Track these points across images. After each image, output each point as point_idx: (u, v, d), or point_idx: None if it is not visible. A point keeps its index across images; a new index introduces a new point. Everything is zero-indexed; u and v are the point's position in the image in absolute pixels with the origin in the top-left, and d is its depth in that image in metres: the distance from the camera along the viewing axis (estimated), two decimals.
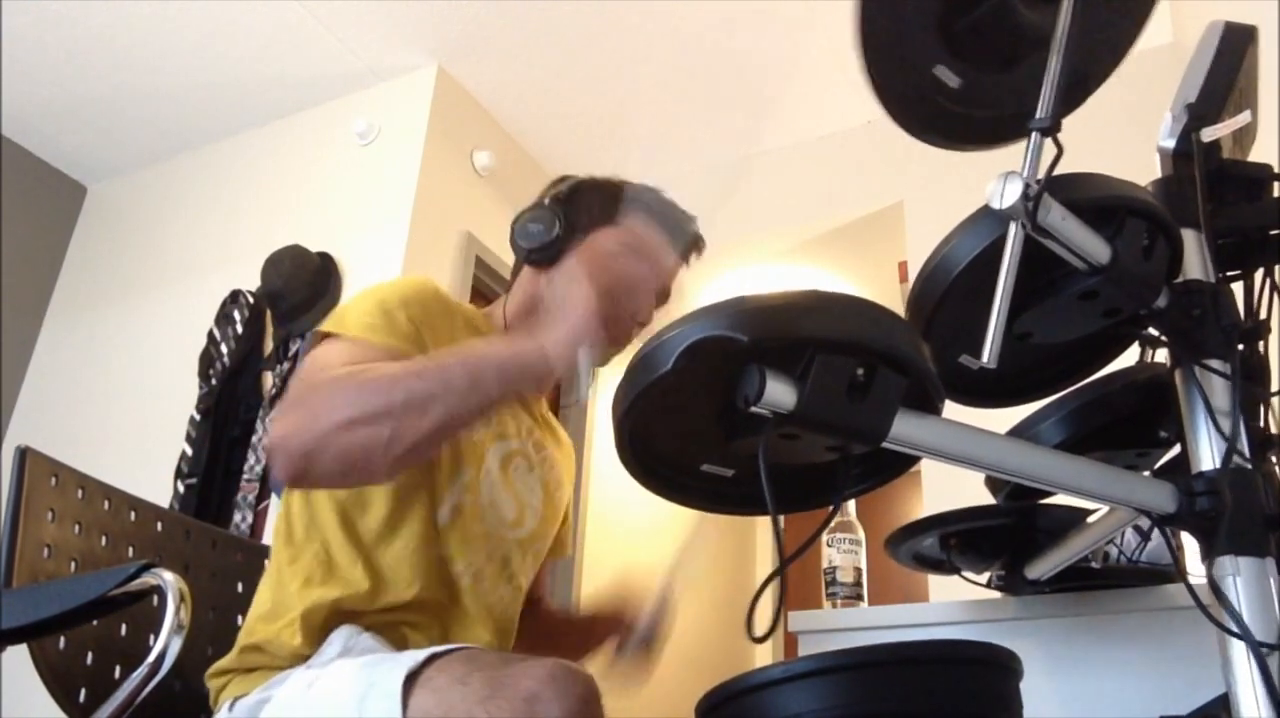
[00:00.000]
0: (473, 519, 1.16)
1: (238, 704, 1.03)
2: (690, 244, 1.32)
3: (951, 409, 0.83)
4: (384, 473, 0.98)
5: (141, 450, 3.08)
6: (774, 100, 3.46)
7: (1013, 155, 0.85)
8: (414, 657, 0.91)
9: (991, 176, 0.79)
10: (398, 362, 1.01)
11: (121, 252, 3.69)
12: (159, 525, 1.32)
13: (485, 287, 3.29)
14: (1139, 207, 0.86)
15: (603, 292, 1.07)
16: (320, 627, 1.05)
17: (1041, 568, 1.22)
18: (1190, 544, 0.91)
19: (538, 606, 1.37)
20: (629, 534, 3.99)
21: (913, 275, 0.88)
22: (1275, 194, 0.99)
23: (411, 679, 0.88)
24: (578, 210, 1.28)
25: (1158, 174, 0.99)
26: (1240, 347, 0.91)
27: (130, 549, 1.27)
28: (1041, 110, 0.82)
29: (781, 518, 0.74)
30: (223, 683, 1.08)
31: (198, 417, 3.01)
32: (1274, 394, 0.95)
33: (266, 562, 1.28)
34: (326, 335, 1.09)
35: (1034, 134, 0.81)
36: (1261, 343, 0.95)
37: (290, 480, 0.95)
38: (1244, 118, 0.95)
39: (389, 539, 1.11)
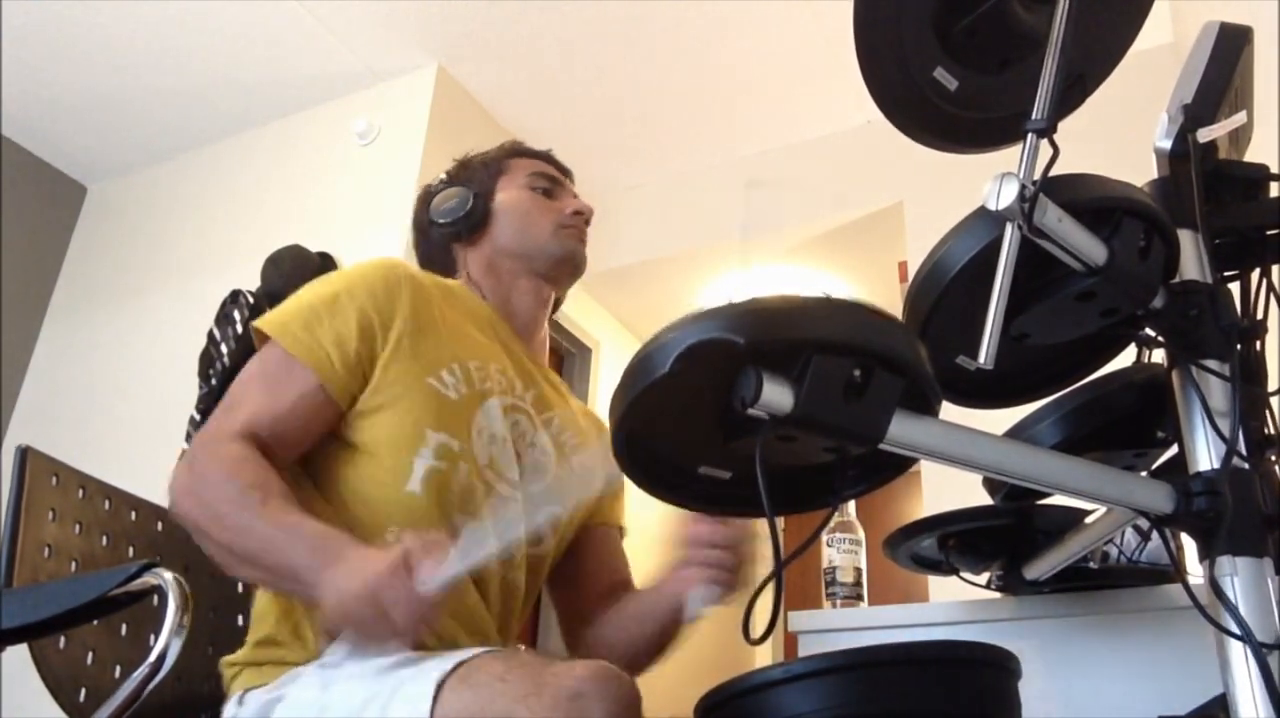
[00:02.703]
0: (454, 486, 1.12)
1: (248, 696, 1.03)
2: (515, 152, 1.40)
3: (949, 410, 0.83)
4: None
5: (141, 450, 3.08)
6: (774, 100, 3.46)
7: (1014, 156, 0.85)
8: (441, 665, 0.89)
9: (992, 176, 0.79)
10: (260, 502, 1.01)
11: (121, 252, 3.69)
12: (159, 525, 1.33)
13: None
14: (1135, 207, 0.86)
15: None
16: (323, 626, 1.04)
17: (1040, 568, 1.22)
18: (1190, 545, 0.91)
19: (624, 590, 1.30)
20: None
21: (913, 275, 0.88)
22: (1271, 194, 0.99)
23: (442, 680, 0.87)
24: (471, 180, 1.36)
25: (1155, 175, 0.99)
26: (1237, 346, 0.91)
27: (130, 549, 1.28)
28: (1037, 112, 0.82)
29: (780, 519, 0.74)
30: (234, 673, 1.08)
31: (198, 417, 3.01)
32: (1272, 394, 0.95)
33: None
34: (264, 338, 1.18)
35: (1030, 136, 0.81)
36: (1258, 342, 0.95)
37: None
38: (1239, 118, 0.95)
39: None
